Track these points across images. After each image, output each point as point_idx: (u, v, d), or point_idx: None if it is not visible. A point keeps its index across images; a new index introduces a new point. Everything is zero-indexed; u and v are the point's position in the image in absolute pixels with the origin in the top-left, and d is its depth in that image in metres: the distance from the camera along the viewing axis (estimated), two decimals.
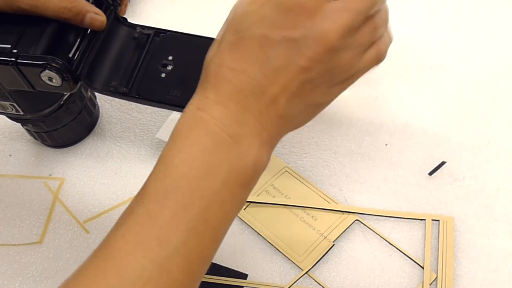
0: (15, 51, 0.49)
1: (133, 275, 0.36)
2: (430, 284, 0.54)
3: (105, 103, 0.70)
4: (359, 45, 0.41)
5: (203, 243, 0.38)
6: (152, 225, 0.37)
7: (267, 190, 0.61)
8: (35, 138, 0.66)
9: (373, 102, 0.68)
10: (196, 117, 0.40)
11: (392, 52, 0.72)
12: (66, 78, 0.49)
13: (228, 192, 0.39)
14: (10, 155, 0.68)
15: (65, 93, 0.60)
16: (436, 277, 0.54)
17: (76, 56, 0.51)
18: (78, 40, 0.52)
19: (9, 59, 0.49)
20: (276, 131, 0.42)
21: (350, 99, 0.68)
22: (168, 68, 0.55)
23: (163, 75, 0.54)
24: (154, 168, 0.39)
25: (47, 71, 0.49)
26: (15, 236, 0.61)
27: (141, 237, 0.37)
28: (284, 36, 0.39)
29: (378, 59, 0.43)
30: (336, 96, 0.44)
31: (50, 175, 0.65)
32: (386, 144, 0.64)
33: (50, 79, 0.50)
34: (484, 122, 0.65)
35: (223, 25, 0.42)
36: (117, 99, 0.70)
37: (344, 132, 0.65)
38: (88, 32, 0.52)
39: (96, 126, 0.69)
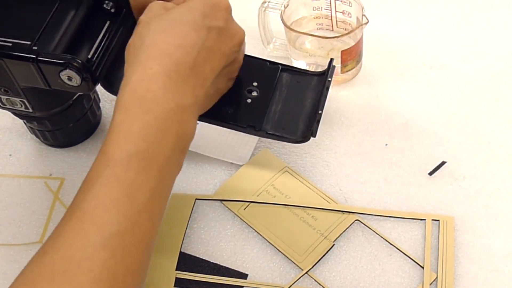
0: (35, 48, 0.49)
1: (112, 230, 0.39)
2: (430, 284, 0.54)
3: (106, 103, 0.70)
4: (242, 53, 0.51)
5: (161, 200, 0.43)
6: (121, 185, 0.41)
7: (267, 190, 0.61)
8: (37, 136, 0.66)
9: (373, 102, 0.68)
10: (143, 88, 0.43)
11: (392, 52, 0.72)
12: (86, 79, 0.50)
13: (175, 156, 0.44)
14: (10, 155, 0.68)
15: (80, 93, 0.60)
16: (436, 277, 0.54)
17: (95, 58, 0.51)
18: (97, 41, 0.52)
19: (29, 56, 0.49)
20: (202, 107, 0.47)
21: (350, 99, 0.68)
22: None
23: None
24: (110, 137, 0.42)
25: (67, 70, 0.49)
26: (15, 236, 0.61)
27: (112, 196, 0.40)
28: (211, 24, 0.46)
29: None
30: (226, 90, 0.52)
31: (51, 175, 0.65)
32: (386, 144, 0.64)
33: (70, 78, 0.50)
34: (484, 122, 0.65)
35: (143, 17, 0.47)
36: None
37: (344, 132, 0.65)
38: (107, 35, 0.53)
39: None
